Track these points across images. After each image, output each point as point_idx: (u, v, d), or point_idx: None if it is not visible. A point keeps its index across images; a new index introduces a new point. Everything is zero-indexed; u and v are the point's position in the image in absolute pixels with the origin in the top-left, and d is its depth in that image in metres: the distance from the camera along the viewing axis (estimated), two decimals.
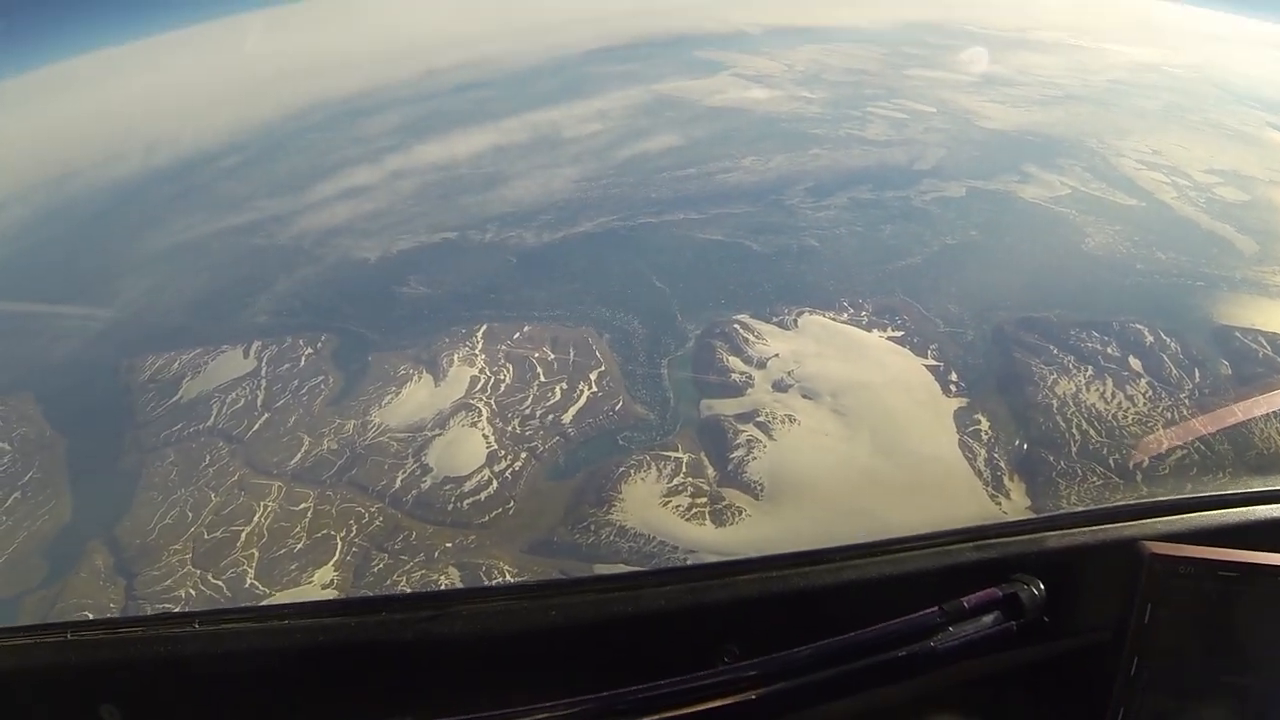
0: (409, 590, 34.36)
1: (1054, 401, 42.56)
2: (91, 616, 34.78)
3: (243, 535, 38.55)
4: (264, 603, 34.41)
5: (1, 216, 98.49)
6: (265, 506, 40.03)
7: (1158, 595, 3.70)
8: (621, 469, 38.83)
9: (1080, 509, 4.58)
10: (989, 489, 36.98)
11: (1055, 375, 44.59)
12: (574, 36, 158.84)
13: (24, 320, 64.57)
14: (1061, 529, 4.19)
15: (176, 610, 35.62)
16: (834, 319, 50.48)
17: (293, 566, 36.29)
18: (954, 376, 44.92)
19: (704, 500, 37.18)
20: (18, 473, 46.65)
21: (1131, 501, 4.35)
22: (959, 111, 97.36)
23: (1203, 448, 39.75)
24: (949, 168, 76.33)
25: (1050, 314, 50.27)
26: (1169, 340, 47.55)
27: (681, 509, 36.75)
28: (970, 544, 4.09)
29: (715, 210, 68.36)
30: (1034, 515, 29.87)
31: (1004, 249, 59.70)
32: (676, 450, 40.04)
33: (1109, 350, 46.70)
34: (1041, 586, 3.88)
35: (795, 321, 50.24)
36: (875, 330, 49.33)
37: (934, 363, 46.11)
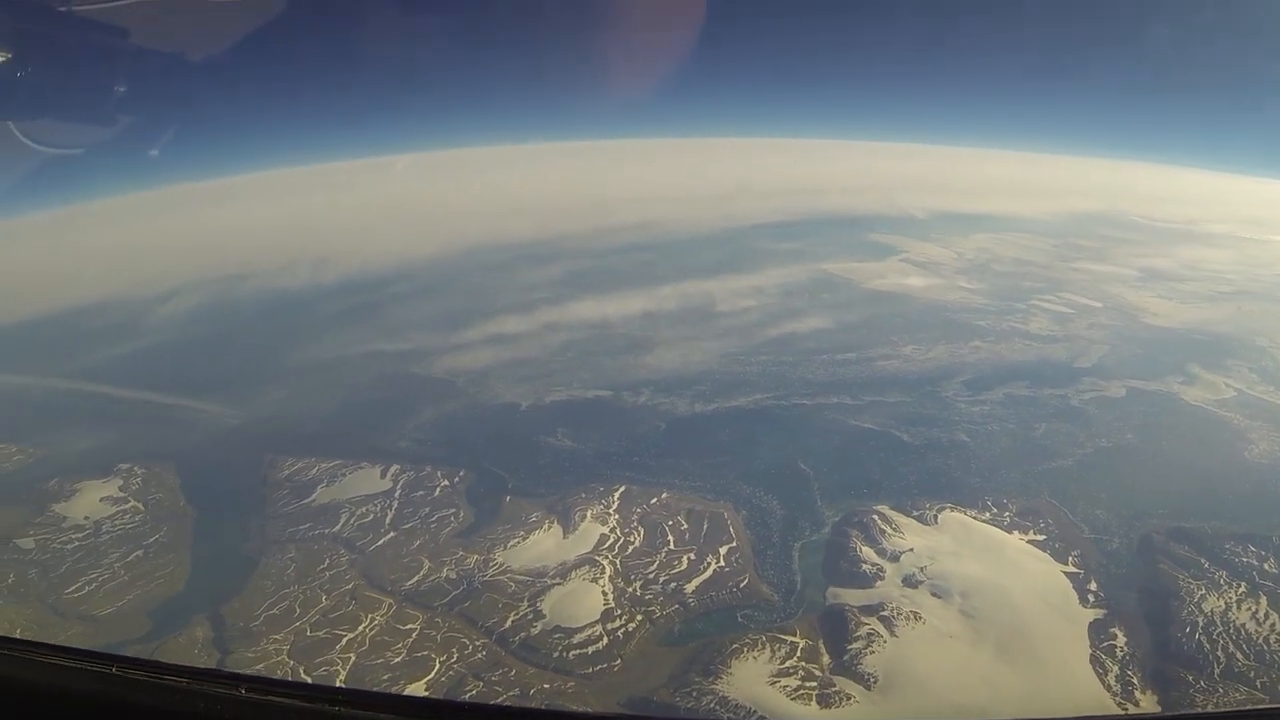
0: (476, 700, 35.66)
1: (1200, 619, 41.02)
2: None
3: (344, 640, 41.13)
4: (320, 683, 36.76)
5: (178, 302, 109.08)
6: (373, 619, 42.57)
7: None
8: (735, 645, 39.39)
9: (1249, 708, 4.28)
10: (1120, 708, 35.84)
11: (1204, 591, 43.05)
12: (745, 208, 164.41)
13: (182, 397, 71.18)
14: None
15: (227, 670, 36.98)
16: (975, 517, 50.22)
17: (385, 677, 38.56)
18: (1094, 586, 43.92)
19: (814, 685, 37.28)
20: (145, 533, 51.26)
21: None
22: (1125, 307, 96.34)
23: None
24: (1111, 366, 75.42)
25: (1204, 525, 48.65)
26: None
27: (789, 690, 36.97)
28: None
29: (870, 397, 69.25)
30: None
31: (1161, 454, 58.15)
32: (794, 634, 40.32)
33: (1265, 566, 44.81)
34: None
35: (935, 517, 50.23)
36: (1016, 532, 48.79)
37: (1074, 570, 45.26)
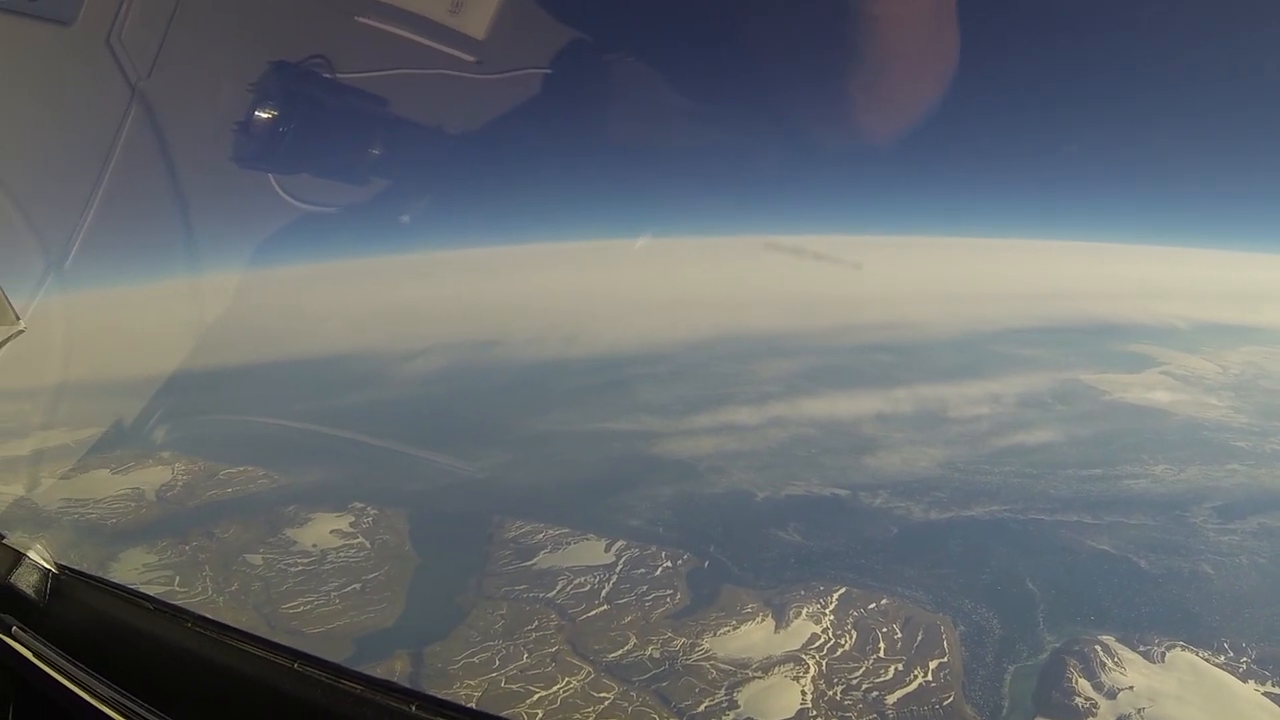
0: None
1: None
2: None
3: (536, 696, 42.97)
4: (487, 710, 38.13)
5: (426, 360, 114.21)
6: (568, 683, 44.20)
7: None
8: None
9: None
10: None
11: None
12: (995, 311, 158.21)
13: (423, 450, 74.71)
14: None
15: (402, 684, 39.49)
16: (1208, 659, 47.77)
17: None
18: None
19: None
20: (366, 569, 54.40)
21: None
22: None
23: None
24: None
25: None
26: None
27: None
28: None
29: (1111, 518, 66.37)
30: None
31: None
32: None
33: None
34: None
35: (1163, 654, 48.13)
36: (1252, 681, 46.08)
37: None
